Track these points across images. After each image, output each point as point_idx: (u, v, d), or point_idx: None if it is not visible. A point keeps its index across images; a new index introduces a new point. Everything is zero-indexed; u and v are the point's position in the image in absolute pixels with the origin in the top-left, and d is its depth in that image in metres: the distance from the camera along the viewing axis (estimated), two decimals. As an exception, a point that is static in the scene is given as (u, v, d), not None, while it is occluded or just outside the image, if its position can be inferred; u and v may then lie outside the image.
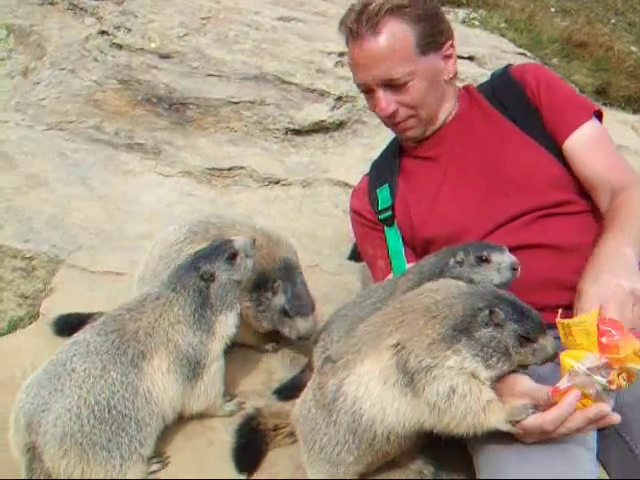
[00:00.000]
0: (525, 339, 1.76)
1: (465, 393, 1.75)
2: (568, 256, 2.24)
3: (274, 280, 2.56)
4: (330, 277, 3.21)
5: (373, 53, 2.31)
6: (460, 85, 2.68)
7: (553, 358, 1.78)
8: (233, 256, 2.29)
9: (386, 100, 2.37)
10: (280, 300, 2.56)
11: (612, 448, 2.04)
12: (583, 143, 2.35)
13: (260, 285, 2.57)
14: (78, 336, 2.16)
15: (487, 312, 1.75)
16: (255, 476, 2.19)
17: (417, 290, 2.01)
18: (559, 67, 6.84)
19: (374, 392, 1.86)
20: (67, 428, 1.97)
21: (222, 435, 2.32)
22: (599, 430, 2.00)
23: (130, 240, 3.67)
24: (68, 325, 2.72)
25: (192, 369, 2.20)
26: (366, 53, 2.32)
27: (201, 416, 2.37)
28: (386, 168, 2.71)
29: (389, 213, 2.59)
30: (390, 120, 2.47)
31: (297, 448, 2.18)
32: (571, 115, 2.38)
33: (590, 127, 2.37)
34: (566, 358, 1.67)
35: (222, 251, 2.29)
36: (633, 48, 7.85)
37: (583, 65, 7.03)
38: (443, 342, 1.77)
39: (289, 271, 2.61)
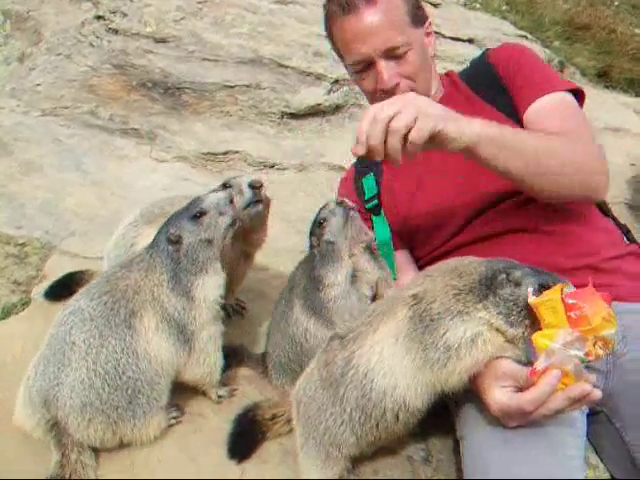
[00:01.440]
0: (545, 288, 1.73)
1: (486, 342, 1.77)
2: (555, 239, 2.23)
3: None
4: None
5: (373, 23, 2.27)
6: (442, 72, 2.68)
7: None
8: (200, 214, 2.18)
9: (388, 71, 2.32)
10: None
11: (603, 435, 2.06)
12: (538, 112, 2.31)
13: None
14: (73, 304, 2.14)
15: (504, 274, 1.77)
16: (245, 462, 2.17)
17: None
18: (561, 50, 6.78)
19: (387, 360, 1.84)
20: (85, 399, 2.01)
21: (210, 422, 2.30)
22: (590, 415, 2.00)
23: (124, 225, 3.64)
24: (61, 289, 2.81)
25: (181, 333, 2.15)
26: (365, 24, 2.27)
27: (190, 400, 2.35)
28: None
29: (375, 202, 2.58)
30: (390, 94, 2.36)
31: (288, 435, 2.18)
32: (532, 89, 2.36)
33: (550, 98, 2.32)
34: (539, 338, 1.66)
35: (188, 211, 2.20)
36: (637, 30, 7.77)
37: (585, 48, 6.97)
38: (471, 294, 1.79)
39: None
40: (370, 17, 2.26)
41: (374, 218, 2.58)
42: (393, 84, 2.33)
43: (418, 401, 1.84)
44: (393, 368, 1.83)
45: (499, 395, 1.73)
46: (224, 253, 2.28)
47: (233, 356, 2.54)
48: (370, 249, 2.36)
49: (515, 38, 6.15)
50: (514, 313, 1.74)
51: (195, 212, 2.17)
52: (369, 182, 2.61)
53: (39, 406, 2.05)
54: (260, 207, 2.40)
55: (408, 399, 1.83)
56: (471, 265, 1.86)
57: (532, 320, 1.73)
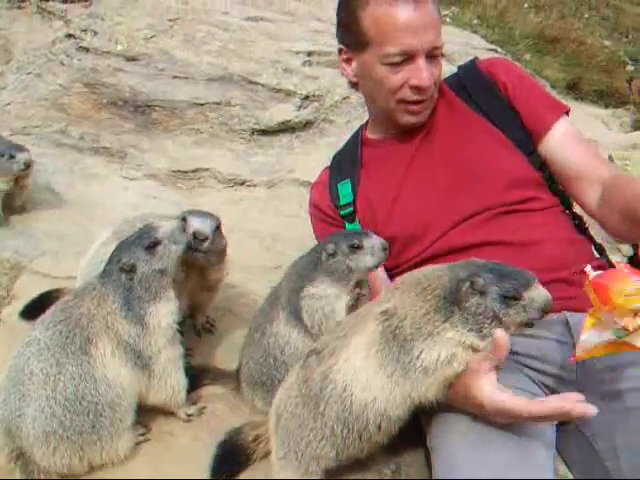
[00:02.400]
0: (510, 298, 1.74)
1: (461, 361, 1.76)
2: (528, 252, 2.22)
3: None
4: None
5: (427, 17, 2.21)
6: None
7: (547, 308, 1.76)
8: (154, 244, 2.18)
9: (427, 70, 2.26)
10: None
11: (573, 444, 2.05)
12: (562, 139, 2.34)
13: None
14: (30, 334, 2.14)
15: (468, 283, 1.75)
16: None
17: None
18: (531, 62, 6.88)
19: (361, 373, 1.84)
20: (47, 427, 2.00)
21: (180, 440, 2.30)
22: (559, 425, 2.02)
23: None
24: (37, 309, 2.75)
25: (138, 358, 2.16)
26: (419, 17, 2.20)
27: (159, 419, 2.35)
28: (347, 161, 2.64)
29: (350, 209, 2.54)
30: (420, 94, 2.33)
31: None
32: (546, 113, 2.37)
33: (565, 124, 2.36)
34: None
35: (142, 240, 2.19)
36: (606, 42, 7.89)
37: (555, 60, 7.07)
38: (438, 313, 1.77)
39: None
40: (424, 11, 2.20)
41: (347, 225, 2.56)
42: (430, 83, 2.29)
43: (399, 411, 1.84)
44: (370, 382, 1.82)
45: (494, 394, 1.74)
46: (182, 285, 2.33)
47: (205, 375, 2.56)
48: None
49: (485, 51, 6.22)
50: (485, 325, 1.74)
51: (149, 242, 2.18)
52: (345, 188, 2.57)
53: (3, 436, 2.05)
54: (199, 255, 2.42)
55: (389, 410, 1.83)
56: (434, 276, 1.85)
57: (505, 327, 1.75)
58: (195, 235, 2.36)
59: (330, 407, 1.89)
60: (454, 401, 1.85)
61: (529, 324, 1.79)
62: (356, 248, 2.24)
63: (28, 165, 3.66)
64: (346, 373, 1.86)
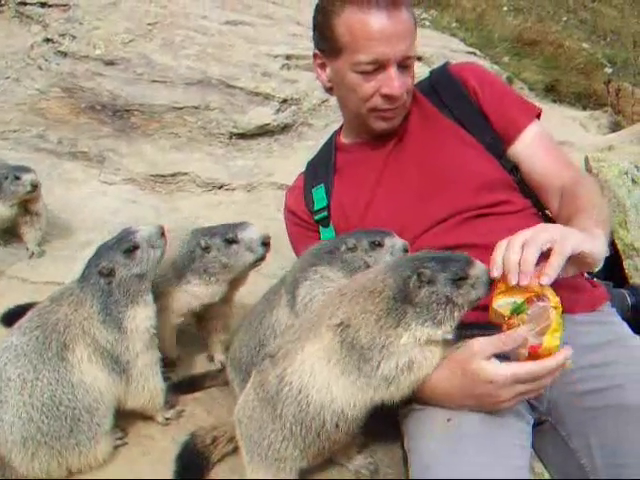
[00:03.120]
0: (458, 280, 1.77)
1: (421, 362, 1.78)
2: None
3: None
4: (271, 281, 3.19)
5: (400, 26, 2.20)
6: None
7: (490, 281, 1.80)
8: (133, 249, 2.18)
9: (399, 79, 2.25)
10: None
11: (549, 443, 2.06)
12: (530, 147, 2.37)
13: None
14: (6, 340, 2.13)
15: (415, 276, 1.77)
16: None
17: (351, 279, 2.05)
18: (509, 65, 6.92)
19: (319, 376, 1.84)
20: (25, 433, 2.00)
21: (159, 444, 2.30)
22: (535, 425, 2.04)
23: (72, 250, 3.62)
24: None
25: (115, 363, 2.16)
26: (392, 26, 2.19)
27: (137, 423, 2.36)
28: (321, 167, 2.65)
29: (324, 214, 2.55)
30: (391, 103, 2.33)
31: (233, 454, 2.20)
32: (516, 117, 2.39)
33: (535, 129, 2.39)
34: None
35: (121, 244, 2.19)
36: (584, 45, 7.95)
37: (533, 63, 7.12)
38: (389, 317, 1.78)
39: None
40: (398, 20, 2.20)
41: (322, 230, 2.57)
42: (401, 92, 2.29)
43: (357, 411, 1.85)
44: (329, 384, 1.83)
45: (499, 367, 1.74)
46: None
47: (198, 383, 2.61)
48: None
49: (464, 54, 6.24)
50: (440, 312, 1.77)
51: (128, 246, 2.18)
52: (319, 193, 2.58)
53: None
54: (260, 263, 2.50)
55: (347, 410, 1.84)
56: (378, 280, 1.86)
57: (459, 308, 1.79)
58: (264, 241, 2.41)
59: (287, 408, 1.89)
60: (451, 380, 1.84)
61: (479, 300, 1.82)
62: (377, 245, 2.23)
63: (35, 186, 3.43)
64: (301, 376, 1.87)
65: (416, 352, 1.78)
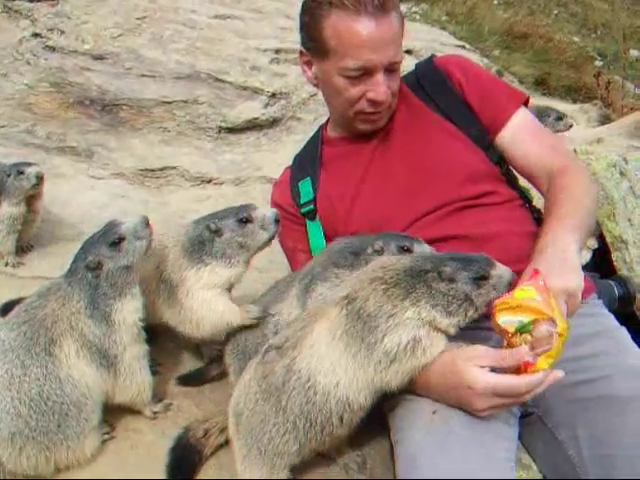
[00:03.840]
0: (480, 279, 1.78)
1: (426, 345, 1.79)
2: (486, 245, 2.22)
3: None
4: (259, 274, 3.20)
5: (387, 34, 2.20)
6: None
7: (512, 283, 1.82)
8: (119, 241, 2.18)
9: (385, 84, 2.27)
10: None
11: (536, 436, 2.07)
12: (517, 134, 2.38)
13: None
14: None
15: (435, 273, 1.79)
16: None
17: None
18: (500, 58, 6.93)
19: (325, 358, 1.85)
20: (13, 428, 2.00)
21: (146, 437, 2.30)
22: (522, 417, 2.05)
23: (61, 244, 3.62)
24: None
25: (103, 358, 2.16)
26: (380, 33, 2.19)
27: (125, 417, 2.36)
28: (308, 161, 2.66)
29: (311, 207, 2.55)
30: (377, 107, 2.36)
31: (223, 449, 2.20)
32: (503, 105, 2.40)
33: (521, 116, 2.40)
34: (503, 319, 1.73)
35: (106, 237, 2.19)
36: (574, 38, 7.96)
37: (523, 56, 7.13)
38: (398, 287, 1.79)
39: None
40: (386, 26, 2.20)
41: (308, 223, 2.58)
42: (387, 97, 2.31)
43: (361, 397, 1.85)
44: (334, 364, 1.83)
45: (484, 375, 1.75)
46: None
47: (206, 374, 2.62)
48: None
49: (453, 48, 6.25)
50: (454, 305, 1.78)
51: (114, 238, 2.18)
52: (306, 186, 2.59)
53: None
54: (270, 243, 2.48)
55: (351, 396, 1.84)
56: (394, 260, 1.90)
57: (475, 307, 1.80)
58: (276, 220, 2.42)
59: (293, 400, 1.89)
60: (444, 375, 1.85)
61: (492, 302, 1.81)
62: (405, 251, 2.17)
63: (40, 177, 3.32)
64: (310, 361, 1.87)
65: (423, 332, 1.79)
